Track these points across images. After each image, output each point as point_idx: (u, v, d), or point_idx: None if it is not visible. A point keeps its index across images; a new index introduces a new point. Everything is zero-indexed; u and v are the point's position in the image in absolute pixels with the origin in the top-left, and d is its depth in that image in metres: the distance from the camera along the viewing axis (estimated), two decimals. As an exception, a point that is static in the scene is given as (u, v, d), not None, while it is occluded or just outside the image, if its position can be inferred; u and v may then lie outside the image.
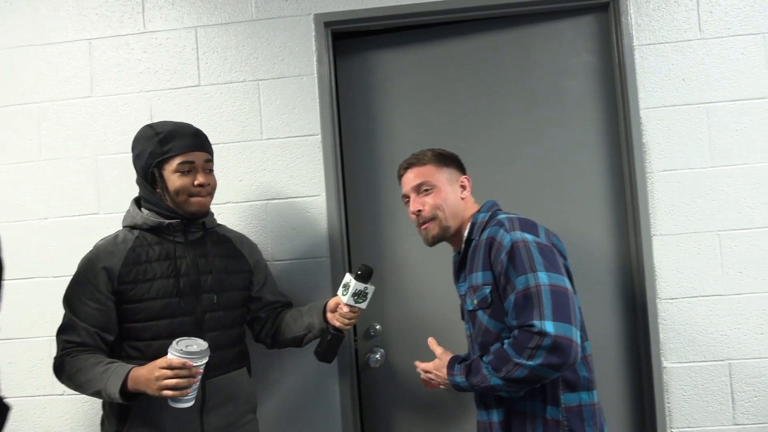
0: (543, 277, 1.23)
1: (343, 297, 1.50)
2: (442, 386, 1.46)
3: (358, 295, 1.49)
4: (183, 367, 1.29)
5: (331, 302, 1.56)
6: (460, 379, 1.37)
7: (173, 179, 1.48)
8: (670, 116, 1.83)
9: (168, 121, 1.56)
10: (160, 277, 1.47)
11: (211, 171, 1.55)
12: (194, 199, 1.51)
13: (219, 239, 1.63)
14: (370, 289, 1.50)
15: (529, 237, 1.30)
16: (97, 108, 1.94)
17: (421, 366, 1.51)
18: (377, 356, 1.98)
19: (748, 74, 1.82)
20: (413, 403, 1.99)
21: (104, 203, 1.93)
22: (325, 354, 1.55)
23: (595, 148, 1.94)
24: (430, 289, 2.00)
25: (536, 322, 1.18)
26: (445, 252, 1.91)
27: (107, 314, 1.45)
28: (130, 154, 1.86)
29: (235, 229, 1.87)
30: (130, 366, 1.37)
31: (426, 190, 1.48)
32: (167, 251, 1.50)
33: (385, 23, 1.95)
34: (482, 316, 1.37)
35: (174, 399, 1.31)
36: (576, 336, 1.20)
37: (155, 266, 1.48)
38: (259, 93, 1.91)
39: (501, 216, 1.41)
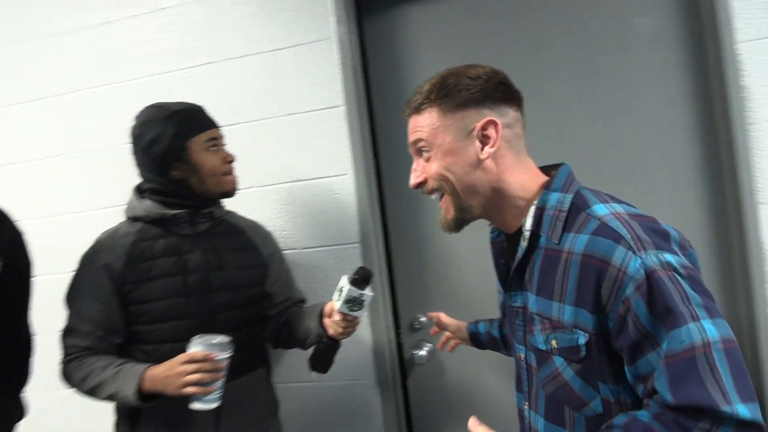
0: (711, 330, 0.75)
1: (336, 303, 1.26)
2: None
3: (353, 303, 1.24)
4: (206, 359, 1.18)
5: (327, 306, 1.33)
6: None
7: (204, 158, 1.37)
8: (777, 49, 1.41)
9: (165, 101, 1.43)
10: (166, 275, 1.34)
11: None
12: (228, 178, 1.40)
13: (230, 230, 1.48)
14: (367, 296, 1.25)
15: (671, 259, 0.79)
16: (116, 95, 1.85)
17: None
18: (423, 352, 1.76)
19: None
20: (468, 403, 1.75)
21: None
22: (317, 363, 1.32)
23: (677, 98, 1.56)
24: (479, 275, 1.73)
25: (723, 407, 0.71)
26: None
27: (112, 315, 1.34)
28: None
29: (261, 215, 1.73)
30: (145, 365, 1.26)
31: (423, 152, 1.00)
32: (173, 246, 1.37)
33: (413, -29, 1.68)
34: (563, 368, 0.90)
35: (197, 398, 1.20)
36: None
37: (160, 263, 1.35)
38: (276, 64, 1.73)
39: (598, 210, 0.87)
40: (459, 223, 1.01)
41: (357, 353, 1.70)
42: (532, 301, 0.95)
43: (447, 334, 1.50)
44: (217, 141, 1.41)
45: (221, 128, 1.45)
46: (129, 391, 1.24)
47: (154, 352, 1.33)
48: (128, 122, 1.87)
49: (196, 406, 1.21)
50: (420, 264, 1.79)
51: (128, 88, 1.85)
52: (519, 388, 1.06)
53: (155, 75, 1.82)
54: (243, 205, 1.75)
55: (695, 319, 0.75)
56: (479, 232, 1.68)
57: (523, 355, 1.02)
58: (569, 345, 0.87)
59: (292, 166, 1.73)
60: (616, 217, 0.85)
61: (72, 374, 1.33)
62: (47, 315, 1.49)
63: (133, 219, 1.41)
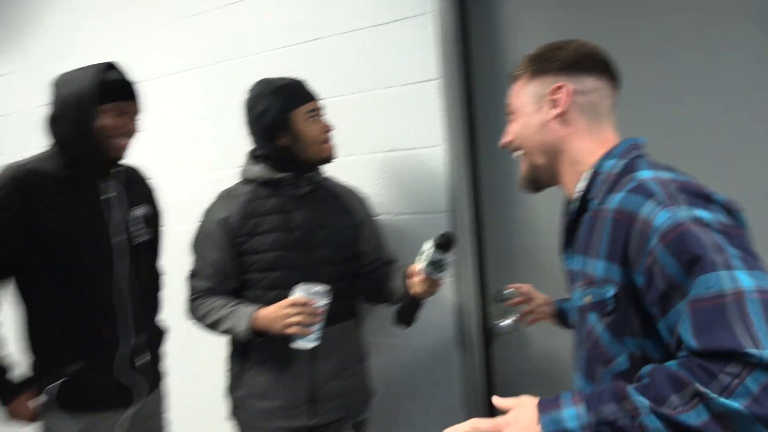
0: (746, 279, 0.72)
1: (419, 264, 1.37)
2: None
3: (434, 265, 1.34)
4: (307, 304, 1.36)
5: (411, 267, 1.44)
6: (570, 411, 0.78)
7: (306, 127, 1.52)
8: None
9: (273, 77, 1.59)
10: (273, 230, 1.52)
11: None
12: (326, 146, 1.55)
13: (329, 194, 1.64)
14: (448, 260, 1.34)
15: (704, 215, 0.78)
16: (240, 70, 2.07)
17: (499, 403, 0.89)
18: (506, 323, 1.80)
19: None
20: (551, 375, 1.77)
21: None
22: (401, 318, 1.46)
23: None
24: (569, 252, 1.72)
25: (751, 350, 0.68)
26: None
27: (228, 263, 1.54)
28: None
29: (360, 181, 1.86)
30: (256, 306, 1.46)
31: (510, 114, 1.11)
32: (280, 205, 1.55)
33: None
34: (594, 322, 0.93)
35: (297, 338, 1.38)
36: None
37: (268, 219, 1.53)
38: (378, 39, 1.81)
39: (644, 173, 0.88)
40: (530, 181, 1.10)
41: (441, 317, 1.79)
42: (578, 261, 0.99)
43: (530, 307, 1.50)
44: (316, 112, 1.55)
45: (322, 100, 1.59)
46: (241, 328, 1.44)
47: (262, 296, 1.52)
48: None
49: (297, 344, 1.39)
50: (511, 236, 1.81)
51: (251, 62, 2.05)
52: (575, 352, 1.09)
53: (273, 50, 2.00)
54: (345, 171, 1.89)
55: (728, 267, 0.73)
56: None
57: (576, 319, 1.05)
58: (600, 299, 0.90)
59: (390, 137, 1.83)
60: (656, 180, 0.85)
61: (195, 310, 1.57)
62: (177, 258, 1.76)
63: (247, 180, 1.60)
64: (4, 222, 1.41)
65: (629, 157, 0.95)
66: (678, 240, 0.77)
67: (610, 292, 0.88)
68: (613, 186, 0.92)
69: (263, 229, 1.52)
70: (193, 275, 1.59)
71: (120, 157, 1.53)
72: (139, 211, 1.62)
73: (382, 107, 1.83)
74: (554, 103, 1.01)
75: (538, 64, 1.04)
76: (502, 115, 1.74)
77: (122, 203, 1.56)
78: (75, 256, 1.47)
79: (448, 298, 1.78)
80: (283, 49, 1.99)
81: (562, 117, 1.00)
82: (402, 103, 1.79)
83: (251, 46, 2.06)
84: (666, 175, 0.87)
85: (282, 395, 1.52)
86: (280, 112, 1.51)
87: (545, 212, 1.74)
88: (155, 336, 1.68)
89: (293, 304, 1.37)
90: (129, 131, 1.50)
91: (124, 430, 1.54)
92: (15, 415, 1.46)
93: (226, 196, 1.60)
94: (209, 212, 1.59)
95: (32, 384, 1.48)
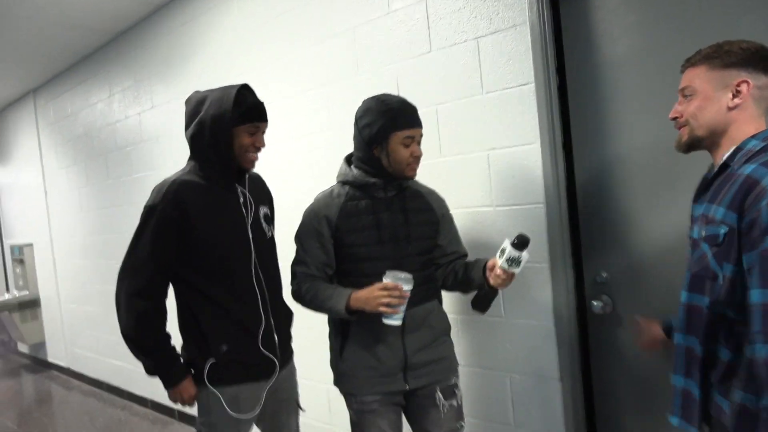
0: None
1: (499, 260, 1.59)
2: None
3: (512, 261, 1.56)
4: (395, 288, 1.62)
5: (490, 262, 1.66)
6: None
7: (398, 150, 1.71)
8: None
9: (390, 95, 1.78)
10: (366, 228, 1.76)
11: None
12: (410, 167, 1.75)
13: (413, 195, 1.84)
14: (524, 257, 1.56)
15: None
16: (360, 85, 2.40)
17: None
18: (600, 303, 1.94)
19: None
20: (645, 355, 1.89)
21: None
22: (479, 304, 1.68)
23: None
24: (662, 240, 1.83)
25: None
26: (679, 203, 1.72)
27: (328, 253, 1.78)
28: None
29: (464, 177, 2.11)
30: (351, 289, 1.72)
31: (687, 96, 1.31)
32: (371, 206, 1.77)
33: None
34: (706, 249, 1.24)
35: (387, 316, 1.64)
36: None
37: (362, 218, 1.75)
38: (478, 50, 2.05)
39: None
40: (687, 146, 1.33)
41: (540, 300, 1.99)
42: (704, 207, 1.28)
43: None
44: (413, 139, 1.72)
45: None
46: (340, 307, 1.69)
47: (357, 282, 1.73)
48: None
49: (386, 321, 1.64)
50: (606, 224, 1.95)
51: (370, 78, 2.38)
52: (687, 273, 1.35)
53: (387, 65, 2.31)
54: (451, 169, 2.16)
55: None
56: (659, 202, 1.78)
57: (688, 255, 1.34)
58: (712, 234, 1.22)
59: (490, 136, 2.05)
60: None
61: (299, 292, 1.82)
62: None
63: (343, 183, 1.82)
64: (168, 226, 1.67)
65: None
66: None
67: (723, 230, 1.19)
68: (750, 158, 1.20)
69: (357, 227, 1.75)
70: (298, 263, 1.82)
71: (251, 168, 1.81)
72: (265, 210, 1.92)
73: (484, 110, 2.06)
74: (737, 94, 1.24)
75: (722, 58, 1.25)
76: (594, 113, 1.93)
77: (254, 204, 1.85)
78: (224, 250, 1.75)
79: (547, 282, 1.97)
80: (396, 64, 2.28)
81: (738, 106, 1.24)
82: (501, 105, 2.01)
83: (368, 64, 2.38)
84: None
85: (379, 365, 1.77)
86: (381, 131, 1.70)
87: (635, 202, 1.87)
88: (287, 316, 1.96)
89: (383, 288, 1.62)
90: (259, 146, 1.77)
91: (262, 400, 1.80)
92: (178, 397, 1.76)
93: (326, 197, 1.81)
94: (312, 211, 1.81)
95: (191, 368, 1.74)
